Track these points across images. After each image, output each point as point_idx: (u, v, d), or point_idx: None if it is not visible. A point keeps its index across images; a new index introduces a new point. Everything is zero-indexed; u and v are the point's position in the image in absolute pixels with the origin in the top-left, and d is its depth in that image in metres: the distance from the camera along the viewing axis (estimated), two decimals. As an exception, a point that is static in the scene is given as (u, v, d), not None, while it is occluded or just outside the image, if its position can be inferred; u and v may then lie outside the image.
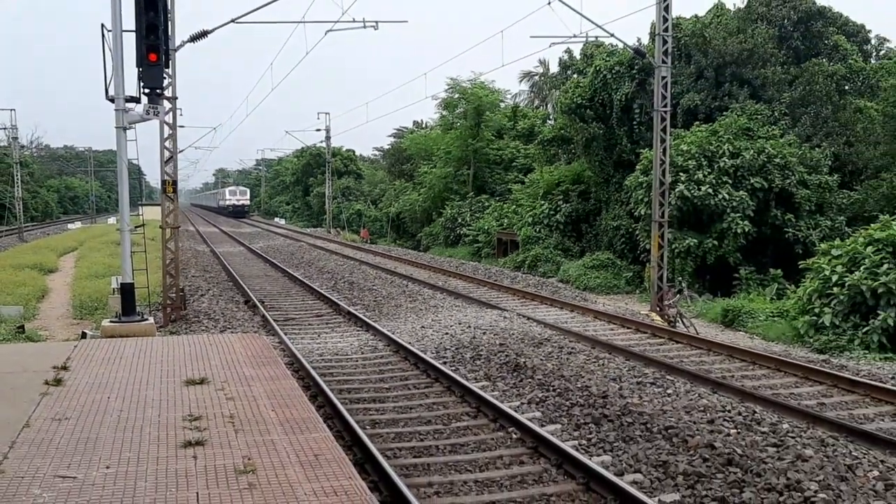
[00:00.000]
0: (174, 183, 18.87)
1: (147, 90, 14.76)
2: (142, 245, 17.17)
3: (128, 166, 15.13)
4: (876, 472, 7.84)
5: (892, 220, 18.07)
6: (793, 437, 8.92)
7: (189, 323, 18.07)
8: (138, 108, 14.96)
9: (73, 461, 6.60)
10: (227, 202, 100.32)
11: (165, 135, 18.46)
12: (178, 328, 17.53)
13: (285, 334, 15.79)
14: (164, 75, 15.88)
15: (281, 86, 54.59)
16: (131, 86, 14.54)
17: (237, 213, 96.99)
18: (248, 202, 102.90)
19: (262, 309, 19.34)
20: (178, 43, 18.50)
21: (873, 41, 35.58)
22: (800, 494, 7.25)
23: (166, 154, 18.61)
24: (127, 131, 14.89)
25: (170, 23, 17.47)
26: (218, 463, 6.54)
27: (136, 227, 18.97)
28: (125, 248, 14.62)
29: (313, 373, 11.94)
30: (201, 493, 5.90)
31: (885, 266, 16.06)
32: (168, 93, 17.69)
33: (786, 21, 32.09)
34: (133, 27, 13.94)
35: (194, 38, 19.55)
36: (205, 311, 19.65)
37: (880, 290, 15.70)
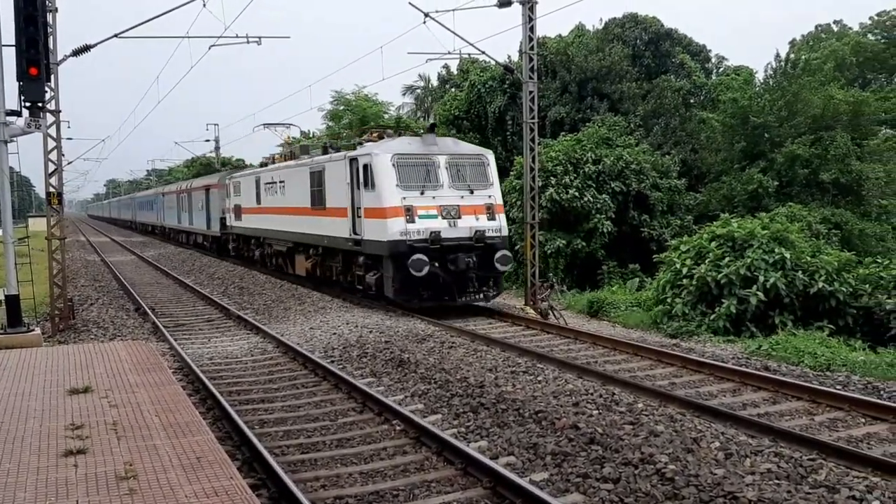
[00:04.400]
0: (59, 195, 17.83)
1: (28, 104, 14.03)
2: (30, 257, 16.15)
3: (13, 178, 14.26)
4: (717, 444, 8.24)
5: (731, 218, 19.13)
6: (647, 415, 9.28)
7: (78, 332, 17.07)
8: (20, 122, 14.20)
9: (-54, 477, 6.10)
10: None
11: (49, 147, 17.41)
12: (66, 338, 16.52)
13: (175, 340, 15.16)
14: (46, 89, 15.04)
15: (169, 98, 52.63)
16: (13, 99, 13.76)
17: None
18: None
19: (153, 316, 18.51)
20: (60, 57, 17.51)
21: (713, 60, 37.80)
22: (652, 466, 7.53)
23: (51, 166, 17.55)
24: (8, 144, 14.13)
25: (51, 37, 16.57)
26: (99, 470, 6.19)
27: (20, 238, 17.80)
28: (9, 259, 13.78)
29: (203, 376, 11.49)
30: (81, 500, 5.56)
31: (727, 259, 16.92)
32: (51, 106, 16.68)
33: (638, 41, 33.65)
34: (13, 42, 13.18)
35: (77, 52, 18.49)
36: (94, 319, 18.62)
37: (723, 281, 16.54)
